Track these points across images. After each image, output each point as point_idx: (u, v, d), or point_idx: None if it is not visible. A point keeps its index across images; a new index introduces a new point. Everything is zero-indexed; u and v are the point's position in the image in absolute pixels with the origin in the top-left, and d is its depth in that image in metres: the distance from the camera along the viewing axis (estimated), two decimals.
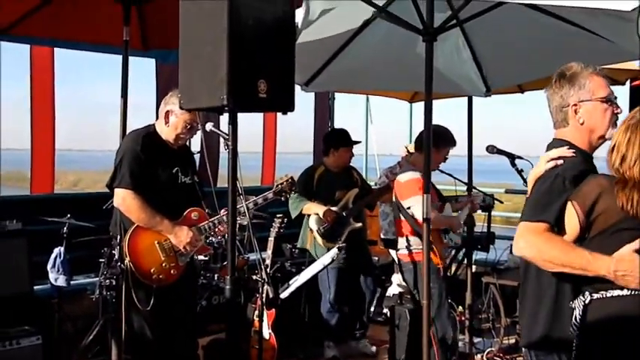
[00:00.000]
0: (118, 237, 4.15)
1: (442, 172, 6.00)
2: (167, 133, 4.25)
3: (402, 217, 5.12)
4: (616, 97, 2.86)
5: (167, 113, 4.20)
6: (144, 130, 4.32)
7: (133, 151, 4.15)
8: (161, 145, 4.23)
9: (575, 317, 2.63)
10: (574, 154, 2.78)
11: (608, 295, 2.53)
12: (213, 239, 5.52)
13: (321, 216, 5.88)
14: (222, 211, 4.21)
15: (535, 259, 2.65)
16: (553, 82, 2.90)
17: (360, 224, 6.05)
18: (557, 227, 2.64)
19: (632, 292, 2.47)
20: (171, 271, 4.17)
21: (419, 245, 4.98)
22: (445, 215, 5.29)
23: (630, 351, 2.47)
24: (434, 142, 4.99)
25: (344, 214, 5.98)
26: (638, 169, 2.49)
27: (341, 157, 6.14)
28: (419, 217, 4.82)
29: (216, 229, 4.29)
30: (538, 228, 2.65)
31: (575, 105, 2.81)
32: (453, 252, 5.71)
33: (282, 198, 4.63)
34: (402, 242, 5.25)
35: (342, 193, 6.08)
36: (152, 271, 4.11)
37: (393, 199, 5.24)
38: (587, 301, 2.60)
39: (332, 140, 6.23)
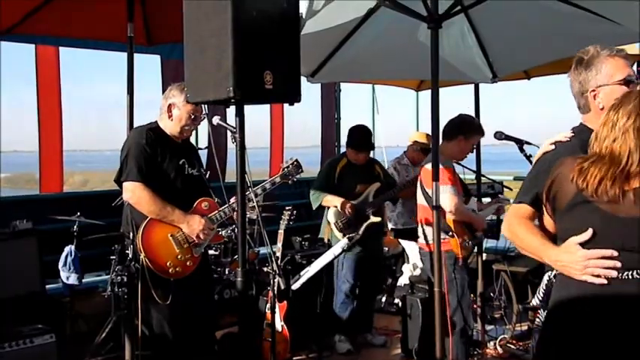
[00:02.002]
0: (131, 234, 4.14)
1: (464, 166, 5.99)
2: (171, 126, 4.25)
3: (427, 204, 5.02)
4: (637, 77, 2.82)
5: (169, 107, 4.20)
6: (147, 126, 4.31)
7: (138, 144, 4.15)
8: (165, 139, 4.23)
9: (539, 289, 2.70)
10: (568, 139, 2.78)
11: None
12: (223, 233, 5.52)
13: (339, 209, 5.90)
14: (233, 199, 4.20)
15: (510, 240, 2.74)
16: (572, 69, 2.88)
17: (378, 218, 6.04)
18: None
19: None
20: (187, 263, 4.17)
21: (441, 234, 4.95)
22: (471, 210, 5.18)
23: (579, 333, 2.43)
24: (462, 132, 4.99)
25: (363, 207, 5.98)
26: (603, 145, 2.44)
27: (357, 157, 6.16)
28: (445, 206, 4.81)
29: (231, 216, 4.27)
30: (518, 210, 2.71)
31: (594, 90, 2.78)
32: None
33: (289, 181, 4.60)
34: (423, 231, 5.16)
35: (363, 186, 6.08)
36: (168, 264, 4.11)
37: (418, 185, 5.13)
38: (552, 276, 2.63)
39: (348, 138, 6.22)
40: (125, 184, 4.15)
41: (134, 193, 4.12)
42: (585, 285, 2.38)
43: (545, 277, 2.71)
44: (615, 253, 2.31)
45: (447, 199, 4.80)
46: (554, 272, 2.62)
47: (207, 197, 4.33)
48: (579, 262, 2.37)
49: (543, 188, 2.56)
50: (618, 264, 2.31)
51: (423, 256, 5.21)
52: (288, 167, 4.55)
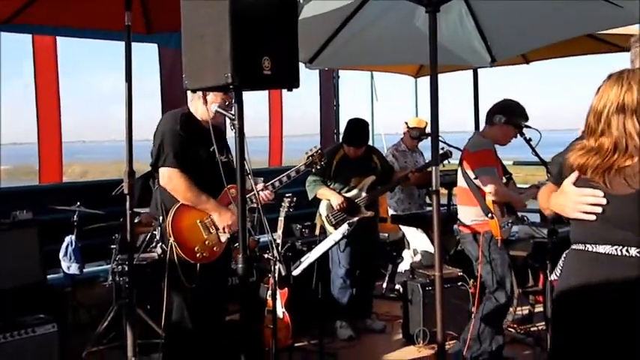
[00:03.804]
0: (160, 218, 4.26)
1: (451, 145, 6.00)
2: (203, 112, 4.27)
3: (467, 186, 5.05)
4: None
5: (204, 92, 4.22)
6: (180, 110, 4.39)
7: (172, 130, 4.22)
8: (197, 125, 4.28)
9: (558, 265, 2.86)
10: None
11: (580, 247, 2.64)
12: None
13: (332, 204, 5.92)
14: (260, 185, 4.35)
15: (540, 205, 3.01)
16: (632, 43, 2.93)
17: (370, 213, 6.05)
18: None
19: (604, 251, 2.54)
20: (214, 248, 4.25)
21: (479, 217, 4.98)
22: (510, 191, 5.18)
23: (580, 304, 2.60)
24: (504, 116, 4.99)
25: (355, 202, 5.99)
26: (592, 138, 2.58)
27: (349, 151, 6.15)
28: (486, 189, 4.87)
29: (261, 198, 4.32)
30: (547, 186, 2.97)
31: None
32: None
33: (313, 169, 4.75)
34: (462, 213, 5.18)
35: (358, 179, 6.09)
36: (196, 249, 4.18)
37: (459, 168, 5.14)
38: (568, 250, 2.77)
39: (344, 133, 6.23)
40: (162, 170, 4.22)
41: (171, 180, 4.19)
42: (587, 260, 2.59)
43: (564, 254, 2.83)
44: (600, 193, 2.50)
45: (488, 180, 4.87)
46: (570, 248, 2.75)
47: (235, 184, 4.37)
48: (572, 199, 2.58)
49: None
50: (604, 201, 2.49)
51: (462, 238, 5.22)
52: (312, 155, 4.65)
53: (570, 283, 2.65)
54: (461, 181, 5.13)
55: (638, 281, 2.46)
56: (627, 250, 2.48)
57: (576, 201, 2.56)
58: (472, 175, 5.00)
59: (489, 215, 4.89)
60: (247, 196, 4.14)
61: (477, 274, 5.08)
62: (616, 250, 2.50)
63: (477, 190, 4.98)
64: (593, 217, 2.52)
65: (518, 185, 5.94)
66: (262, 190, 4.40)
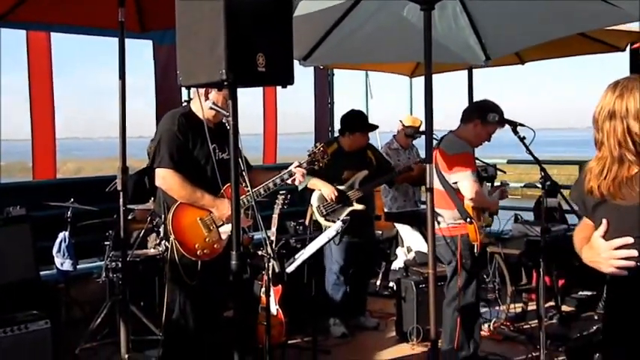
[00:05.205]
0: (162, 216, 4.29)
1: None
2: (205, 110, 4.27)
3: (443, 189, 4.96)
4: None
5: (206, 90, 4.22)
6: (180, 110, 4.42)
7: (169, 131, 4.25)
8: (197, 124, 4.26)
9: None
10: None
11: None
12: None
13: (324, 195, 5.91)
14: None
15: None
16: None
17: (361, 206, 6.04)
18: None
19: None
20: (215, 246, 4.27)
21: (456, 220, 4.95)
22: (487, 196, 5.19)
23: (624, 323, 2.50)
24: (479, 116, 4.97)
25: (347, 194, 5.99)
26: (599, 152, 2.51)
27: (356, 140, 6.13)
28: (466, 194, 4.84)
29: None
30: (580, 225, 2.75)
31: None
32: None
33: (316, 167, 4.70)
34: (436, 215, 5.00)
35: (350, 173, 6.08)
36: (197, 246, 4.21)
37: (434, 169, 5.02)
38: (608, 277, 2.60)
39: (348, 123, 6.19)
40: (157, 171, 4.27)
41: (165, 180, 4.24)
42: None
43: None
44: (631, 240, 2.35)
45: (469, 185, 4.83)
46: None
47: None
48: (602, 256, 2.42)
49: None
50: (634, 252, 2.35)
51: (436, 241, 5.20)
52: (314, 153, 4.64)
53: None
54: (435, 182, 4.83)
55: None
56: None
57: (607, 257, 2.41)
58: (451, 179, 4.94)
59: (468, 220, 4.86)
60: (244, 196, 4.18)
61: (447, 275, 5.10)
62: None
63: (454, 193, 4.93)
64: (626, 273, 2.38)
65: (512, 184, 5.97)
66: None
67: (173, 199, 4.25)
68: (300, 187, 6.00)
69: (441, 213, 4.99)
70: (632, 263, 2.35)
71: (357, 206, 6.00)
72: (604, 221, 2.43)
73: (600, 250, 2.43)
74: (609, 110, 2.48)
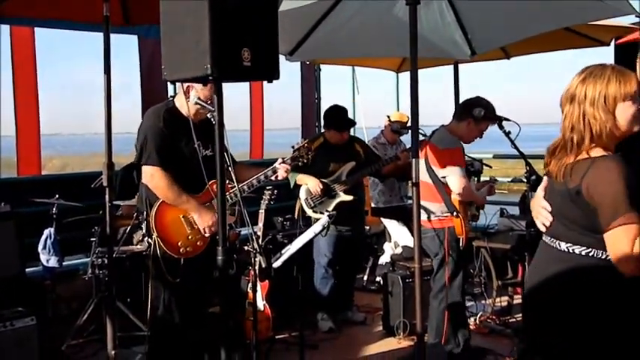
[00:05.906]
0: (145, 212, 4.26)
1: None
2: (188, 107, 4.26)
3: (432, 182, 4.98)
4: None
5: (188, 88, 4.21)
6: (164, 106, 4.37)
7: (155, 127, 4.21)
8: (182, 120, 4.26)
9: None
10: None
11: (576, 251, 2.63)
12: None
13: (310, 188, 5.93)
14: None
15: None
16: None
17: (349, 197, 6.04)
18: None
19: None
20: (198, 243, 4.26)
21: (443, 213, 4.98)
22: (475, 191, 5.21)
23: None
24: (473, 115, 4.99)
25: (333, 186, 6.00)
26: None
27: (334, 136, 6.16)
28: (454, 189, 4.87)
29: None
30: None
31: None
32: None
33: (300, 163, 4.72)
34: (423, 208, 5.02)
35: (337, 165, 6.09)
36: (179, 244, 4.20)
37: (423, 161, 4.93)
38: None
39: (326, 119, 6.25)
40: (145, 168, 4.23)
41: (153, 178, 4.21)
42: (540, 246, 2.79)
43: None
44: (549, 208, 2.66)
45: (457, 180, 4.86)
46: None
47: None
48: (535, 206, 2.75)
49: None
50: (549, 219, 2.66)
51: (423, 233, 5.21)
52: (299, 149, 4.66)
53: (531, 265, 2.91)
54: (424, 175, 4.93)
55: (562, 276, 2.57)
56: (559, 244, 2.61)
57: (537, 209, 2.73)
58: (440, 173, 4.97)
59: (455, 213, 4.90)
60: (229, 192, 4.17)
61: (434, 269, 5.13)
62: (552, 241, 2.66)
63: (441, 187, 4.96)
64: (544, 229, 2.70)
65: (499, 179, 5.98)
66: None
67: (155, 196, 4.22)
68: (291, 184, 6.03)
69: (429, 206, 5.02)
70: (543, 228, 2.70)
71: (345, 197, 6.02)
72: (545, 178, 2.74)
73: (538, 200, 2.74)
74: (571, 93, 2.60)
